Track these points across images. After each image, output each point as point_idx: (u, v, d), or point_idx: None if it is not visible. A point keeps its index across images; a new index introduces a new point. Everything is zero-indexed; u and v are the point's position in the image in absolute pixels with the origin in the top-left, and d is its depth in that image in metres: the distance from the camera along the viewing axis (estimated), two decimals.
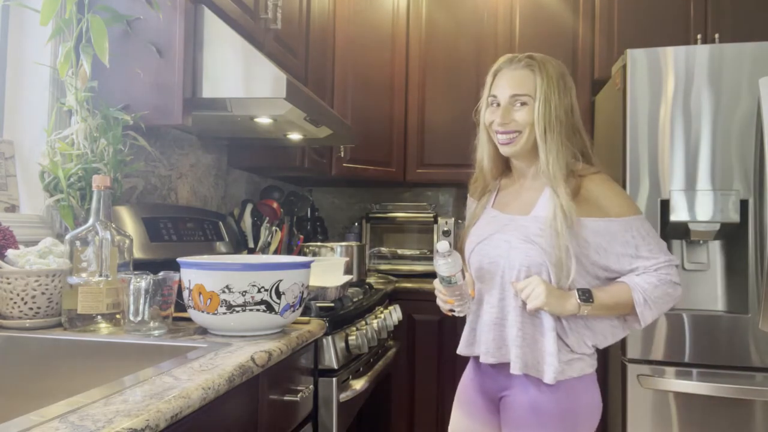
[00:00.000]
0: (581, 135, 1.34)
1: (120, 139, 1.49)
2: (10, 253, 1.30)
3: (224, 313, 1.23)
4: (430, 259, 2.88)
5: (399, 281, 2.70)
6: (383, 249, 3.02)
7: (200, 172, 2.21)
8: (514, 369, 1.26)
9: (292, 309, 1.30)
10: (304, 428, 1.44)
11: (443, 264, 1.27)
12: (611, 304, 1.27)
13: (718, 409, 2.01)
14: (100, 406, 0.77)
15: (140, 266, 1.39)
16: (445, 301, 1.35)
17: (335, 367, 1.55)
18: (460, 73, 2.95)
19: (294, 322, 1.44)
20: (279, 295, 1.26)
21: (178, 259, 1.30)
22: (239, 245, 2.16)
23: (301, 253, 2.53)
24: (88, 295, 1.28)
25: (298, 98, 1.62)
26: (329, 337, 1.55)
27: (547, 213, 1.28)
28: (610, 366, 2.29)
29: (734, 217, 2.02)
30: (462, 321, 1.42)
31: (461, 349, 1.40)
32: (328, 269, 1.87)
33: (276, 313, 1.27)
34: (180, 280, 1.31)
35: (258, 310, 1.24)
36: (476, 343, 1.37)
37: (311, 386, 1.48)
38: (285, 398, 1.31)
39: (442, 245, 1.27)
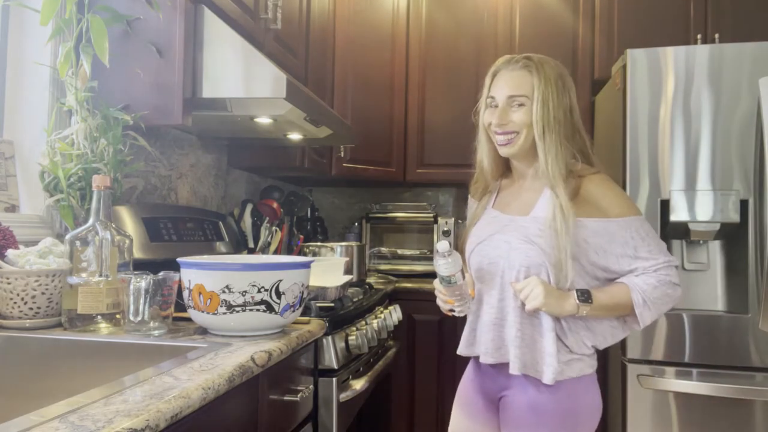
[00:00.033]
0: (581, 135, 1.34)
1: (120, 139, 1.49)
2: (10, 253, 1.30)
3: (224, 313, 1.23)
4: (430, 259, 2.88)
5: (399, 281, 2.70)
6: (383, 249, 3.02)
7: (200, 172, 2.21)
8: (513, 369, 1.27)
9: (292, 309, 1.30)
10: (304, 428, 1.44)
11: (443, 264, 1.27)
12: (610, 305, 1.27)
13: (718, 409, 2.01)
14: (100, 406, 0.77)
15: (140, 266, 1.39)
16: (445, 301, 1.35)
17: (335, 367, 1.55)
18: (460, 73, 2.95)
19: (294, 322, 1.44)
20: (279, 295, 1.26)
21: (178, 259, 1.30)
22: (239, 245, 2.16)
23: (301, 253, 2.53)
24: (88, 295, 1.28)
25: (298, 98, 1.62)
26: (329, 337, 1.55)
27: (546, 213, 1.28)
28: (610, 366, 2.29)
29: (734, 217, 2.02)
30: (462, 321, 1.42)
31: (461, 350, 1.40)
32: (328, 269, 1.87)
33: (276, 313, 1.27)
34: (180, 280, 1.31)
35: (258, 310, 1.24)
36: (476, 343, 1.37)
37: (311, 386, 1.48)
38: (285, 398, 1.31)
39: (441, 245, 1.27)
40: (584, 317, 1.26)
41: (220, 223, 2.06)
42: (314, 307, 1.60)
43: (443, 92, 2.99)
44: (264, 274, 1.24)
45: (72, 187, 1.45)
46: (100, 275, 1.30)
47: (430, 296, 1.42)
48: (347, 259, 2.20)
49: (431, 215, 2.96)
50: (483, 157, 1.41)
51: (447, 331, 2.57)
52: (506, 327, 1.30)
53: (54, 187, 1.46)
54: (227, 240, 2.05)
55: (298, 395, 1.35)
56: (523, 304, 1.26)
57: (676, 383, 2.03)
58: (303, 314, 1.52)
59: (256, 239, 2.30)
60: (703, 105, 2.07)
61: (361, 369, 1.79)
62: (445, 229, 2.90)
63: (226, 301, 1.23)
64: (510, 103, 1.31)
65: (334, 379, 1.54)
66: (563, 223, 1.23)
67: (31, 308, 1.28)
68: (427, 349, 2.62)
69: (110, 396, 0.82)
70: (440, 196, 3.31)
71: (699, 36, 2.63)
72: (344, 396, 1.56)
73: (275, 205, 2.47)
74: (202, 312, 1.25)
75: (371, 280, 2.57)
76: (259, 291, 1.24)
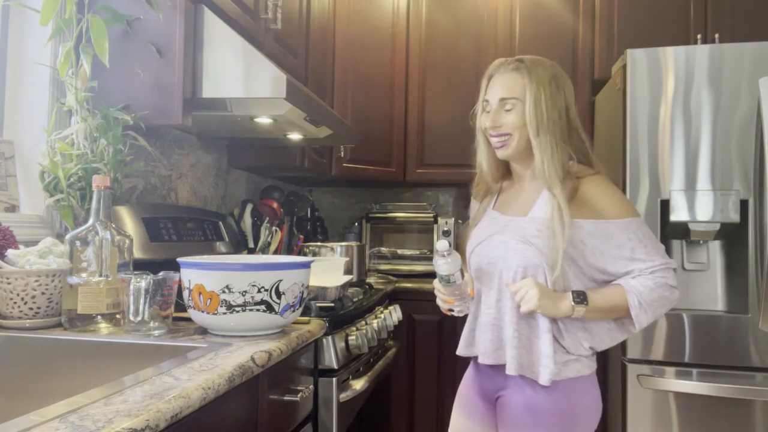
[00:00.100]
0: (579, 135, 1.34)
1: (120, 139, 1.49)
2: (10, 253, 1.30)
3: (224, 313, 1.23)
4: (430, 259, 2.88)
5: (399, 281, 2.70)
6: (383, 249, 3.02)
7: (200, 172, 2.21)
8: (510, 370, 1.27)
9: (292, 309, 1.30)
10: (304, 428, 1.44)
11: (442, 263, 1.28)
12: (606, 307, 1.26)
13: (718, 409, 2.01)
14: (100, 406, 0.77)
15: (140, 266, 1.39)
16: (444, 300, 1.35)
17: (335, 367, 1.55)
18: (460, 73, 2.95)
19: (294, 322, 1.44)
20: (279, 295, 1.26)
21: (178, 259, 1.30)
22: (239, 245, 2.16)
23: (301, 253, 2.53)
24: (88, 295, 1.28)
25: (298, 98, 1.62)
26: (329, 337, 1.55)
27: (544, 214, 1.28)
28: (610, 366, 2.29)
29: (734, 217, 2.02)
30: (462, 321, 1.42)
31: (460, 350, 1.41)
32: (328, 269, 1.87)
33: (276, 313, 1.27)
34: (180, 280, 1.31)
35: (258, 310, 1.24)
36: (475, 343, 1.37)
37: (311, 386, 1.48)
38: (285, 398, 1.31)
39: (441, 244, 1.27)
40: (581, 318, 1.26)
41: (220, 223, 2.06)
42: (314, 307, 1.60)
43: (443, 92, 2.99)
44: (264, 274, 1.24)
45: (72, 187, 1.45)
46: (100, 275, 1.30)
47: (430, 296, 1.42)
48: (347, 259, 2.20)
49: (431, 215, 2.96)
50: (482, 160, 1.42)
51: (447, 331, 2.57)
52: (504, 327, 1.30)
53: (54, 187, 1.46)
54: (227, 240, 2.05)
55: (298, 395, 1.35)
56: (518, 306, 1.26)
57: (676, 383, 2.03)
58: (303, 314, 1.52)
59: (256, 239, 2.30)
60: (703, 105, 2.07)
61: (361, 369, 1.79)
62: (445, 229, 2.90)
63: (226, 301, 1.23)
64: (502, 106, 1.32)
65: (334, 379, 1.54)
66: (560, 224, 1.23)
67: (31, 308, 1.28)
68: (427, 349, 2.62)
69: (110, 396, 0.82)
70: (440, 196, 3.31)
71: (699, 36, 2.63)
72: (344, 396, 1.56)
73: (275, 205, 2.47)
74: (202, 312, 1.25)
75: (371, 280, 2.57)
76: (259, 291, 1.24)
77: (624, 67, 2.16)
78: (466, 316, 1.40)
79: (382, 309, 2.14)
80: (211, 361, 1.05)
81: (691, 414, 2.03)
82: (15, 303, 1.27)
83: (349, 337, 1.66)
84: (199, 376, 0.94)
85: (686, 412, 2.04)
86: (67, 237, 1.33)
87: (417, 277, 2.85)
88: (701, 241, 2.13)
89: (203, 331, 1.32)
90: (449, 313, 1.39)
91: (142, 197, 1.85)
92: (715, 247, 2.15)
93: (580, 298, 1.24)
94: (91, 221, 1.33)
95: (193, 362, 1.03)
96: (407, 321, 2.58)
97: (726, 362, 2.02)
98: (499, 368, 1.32)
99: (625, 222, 1.27)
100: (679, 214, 2.05)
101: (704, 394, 2.01)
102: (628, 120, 2.13)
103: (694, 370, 2.04)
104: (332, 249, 2.32)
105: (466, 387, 1.45)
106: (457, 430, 1.44)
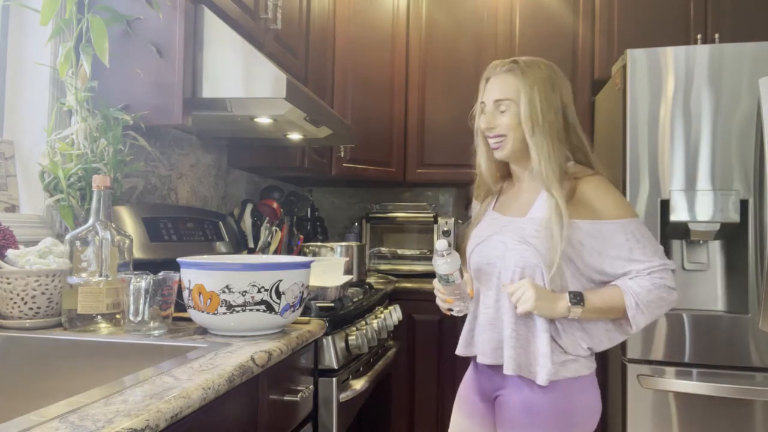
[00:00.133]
0: (578, 135, 1.34)
1: (120, 139, 1.49)
2: (10, 253, 1.30)
3: (224, 313, 1.23)
4: (430, 259, 2.86)
5: (399, 281, 2.70)
6: (383, 249, 3.02)
7: (200, 172, 2.21)
8: (507, 369, 1.27)
9: (292, 309, 1.30)
10: (304, 428, 1.44)
11: (441, 263, 1.28)
12: (603, 308, 1.26)
13: (718, 409, 2.01)
14: (100, 406, 0.77)
15: (140, 266, 1.39)
16: (443, 300, 1.36)
17: (335, 367, 1.55)
18: (460, 73, 2.95)
19: (294, 322, 1.44)
20: (279, 295, 1.26)
21: (178, 259, 1.30)
22: (239, 245, 2.16)
23: (301, 253, 2.53)
24: (88, 295, 1.28)
25: (298, 98, 1.62)
26: (329, 337, 1.55)
27: (543, 214, 1.28)
28: (610, 366, 2.29)
29: (734, 217, 2.02)
30: (462, 321, 1.42)
31: (459, 350, 1.41)
32: (328, 269, 1.87)
33: (276, 313, 1.27)
34: (180, 280, 1.31)
35: (258, 310, 1.24)
36: (474, 343, 1.38)
37: (311, 386, 1.48)
38: (285, 398, 1.31)
39: (440, 244, 1.27)
40: (578, 319, 1.26)
41: (220, 223, 2.06)
42: (314, 307, 1.60)
43: (443, 92, 2.99)
44: (264, 274, 1.24)
45: (72, 187, 1.45)
46: (100, 275, 1.30)
47: (430, 296, 1.42)
48: (347, 259, 2.20)
49: (431, 215, 2.96)
50: (481, 161, 1.43)
51: (447, 331, 2.57)
52: (502, 327, 1.30)
53: (54, 187, 1.46)
54: (227, 240, 2.05)
55: (298, 395, 1.35)
56: (516, 306, 1.27)
57: (676, 383, 2.03)
58: (303, 314, 1.52)
59: (256, 239, 2.30)
60: (703, 105, 2.07)
61: (361, 369, 1.79)
62: (445, 229, 2.89)
63: (226, 301, 1.23)
64: (497, 107, 1.33)
65: (334, 379, 1.54)
66: (558, 224, 1.23)
67: (31, 308, 1.28)
68: (427, 349, 2.62)
69: (110, 396, 0.82)
70: (440, 196, 3.31)
71: (699, 36, 2.63)
72: (344, 396, 1.57)
73: (275, 205, 2.47)
74: (202, 312, 1.25)
75: (371, 280, 2.57)
76: (259, 291, 1.24)
77: (624, 67, 2.16)
78: (465, 316, 1.40)
79: (382, 309, 2.14)
80: (211, 361, 1.05)
81: (691, 414, 2.03)
82: (15, 303, 1.27)
83: (349, 337, 1.66)
84: (199, 376, 0.94)
85: (686, 412, 2.04)
86: (67, 237, 1.33)
87: (417, 277, 2.85)
88: (701, 241, 2.13)
89: (203, 331, 1.32)
90: (449, 313, 1.39)
91: (142, 197, 1.85)
92: (715, 247, 2.15)
93: (577, 299, 1.24)
94: (91, 221, 1.33)
95: (193, 362, 1.03)
96: (407, 321, 2.58)
97: (726, 362, 2.02)
98: (498, 368, 1.32)
99: (623, 222, 1.27)
100: (679, 214, 2.05)
101: (704, 394, 2.01)
102: (628, 120, 2.13)
103: (694, 370, 2.04)
104: (332, 249, 2.32)
105: (466, 387, 1.45)
106: (457, 430, 1.44)
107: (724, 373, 2.02)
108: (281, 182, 2.94)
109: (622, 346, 2.11)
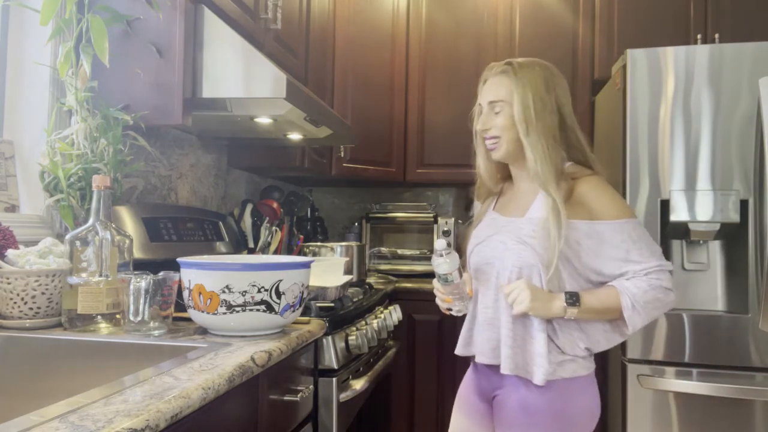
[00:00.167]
0: (576, 135, 1.34)
1: (120, 139, 1.49)
2: (10, 253, 1.30)
3: (224, 313, 1.23)
4: (430, 259, 2.87)
5: (399, 281, 2.70)
6: (383, 249, 3.02)
7: (200, 172, 2.21)
8: (504, 369, 1.27)
9: (292, 309, 1.30)
10: (304, 428, 1.44)
11: (441, 262, 1.29)
12: (600, 308, 1.26)
13: (718, 409, 2.01)
14: (100, 406, 0.78)
15: (140, 266, 1.39)
16: (443, 299, 1.36)
17: (335, 367, 1.55)
18: (460, 73, 2.95)
19: (294, 322, 1.44)
20: (279, 295, 1.26)
21: (178, 259, 1.30)
22: (239, 245, 2.16)
23: (301, 253, 2.53)
24: (88, 295, 1.28)
25: (298, 98, 1.62)
26: (329, 337, 1.55)
27: (541, 214, 1.28)
28: (610, 366, 2.29)
29: (734, 217, 2.02)
30: (462, 321, 1.43)
31: (459, 350, 1.41)
32: (328, 269, 1.87)
33: (276, 313, 1.27)
34: (180, 280, 1.31)
35: (258, 310, 1.24)
36: (472, 343, 1.38)
37: (311, 386, 1.48)
38: (285, 398, 1.31)
39: (440, 243, 1.28)
40: (575, 319, 1.26)
41: (220, 223, 2.06)
42: (314, 307, 1.60)
43: (443, 92, 2.99)
44: (264, 274, 1.25)
45: (72, 187, 1.45)
46: (100, 275, 1.30)
47: (430, 296, 1.42)
48: (347, 259, 2.21)
49: (431, 215, 2.96)
50: (480, 162, 1.44)
51: (447, 331, 2.57)
52: (500, 327, 1.30)
53: (54, 187, 1.46)
54: (227, 240, 2.05)
55: (298, 395, 1.35)
56: (512, 307, 1.27)
57: (676, 383, 2.03)
58: (303, 314, 1.52)
59: (256, 239, 2.30)
60: (703, 105, 2.07)
61: (361, 369, 1.79)
62: (445, 229, 2.90)
63: (226, 301, 1.23)
64: (492, 109, 1.34)
65: (334, 379, 1.54)
66: (556, 224, 1.23)
67: (31, 308, 1.28)
68: (427, 349, 2.62)
69: (110, 396, 0.82)
70: (440, 196, 3.31)
71: (699, 36, 2.63)
72: (344, 396, 1.57)
73: (275, 205, 2.47)
74: (202, 312, 1.25)
75: (371, 280, 2.57)
76: (259, 291, 1.24)
77: (624, 67, 2.16)
78: (465, 316, 1.40)
79: (382, 309, 2.14)
80: (211, 361, 1.05)
81: (691, 414, 2.03)
82: (15, 303, 1.27)
83: (349, 337, 1.66)
84: (199, 376, 0.94)
85: (686, 412, 2.04)
86: (67, 237, 1.33)
87: (417, 277, 2.85)
88: (701, 241, 2.13)
89: (203, 331, 1.32)
90: (448, 313, 1.39)
91: (142, 197, 1.85)
92: (715, 247, 2.15)
93: (573, 299, 1.24)
94: (91, 221, 1.33)
95: (193, 362, 1.03)
96: (407, 321, 2.58)
97: (726, 362, 2.02)
98: (496, 368, 1.32)
99: (620, 223, 1.26)
100: (679, 214, 2.05)
101: (704, 394, 2.01)
102: (628, 120, 2.13)
103: (694, 370, 2.04)
104: (332, 249, 2.32)
105: (466, 387, 1.45)
106: (457, 430, 1.44)
107: (724, 373, 2.02)
108: (281, 182, 2.94)
109: (622, 346, 2.11)
